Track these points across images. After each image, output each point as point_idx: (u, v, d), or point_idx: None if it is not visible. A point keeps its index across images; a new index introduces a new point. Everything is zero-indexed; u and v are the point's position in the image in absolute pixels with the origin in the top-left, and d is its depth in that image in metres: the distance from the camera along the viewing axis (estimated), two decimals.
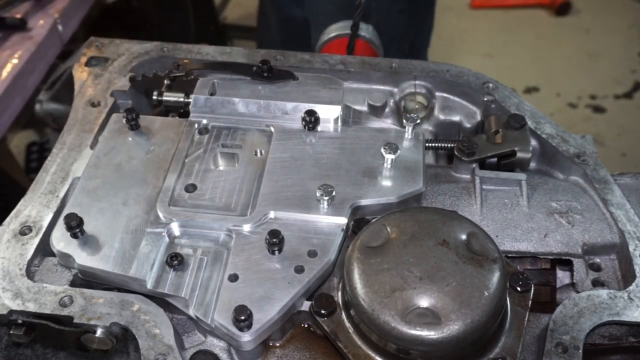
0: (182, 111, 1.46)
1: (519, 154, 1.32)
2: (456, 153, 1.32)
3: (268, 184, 1.22)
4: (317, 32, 2.19)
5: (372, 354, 1.02)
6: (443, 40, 2.66)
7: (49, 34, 1.90)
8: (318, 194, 1.16)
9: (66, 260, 1.15)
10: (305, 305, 1.08)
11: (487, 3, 4.79)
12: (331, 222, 1.16)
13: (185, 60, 1.50)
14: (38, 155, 3.29)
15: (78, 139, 1.37)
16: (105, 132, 1.35)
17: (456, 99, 1.52)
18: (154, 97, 1.44)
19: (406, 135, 1.31)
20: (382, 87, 1.54)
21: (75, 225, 1.12)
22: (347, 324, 1.05)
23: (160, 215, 1.17)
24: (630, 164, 3.58)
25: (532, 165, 1.40)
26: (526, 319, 1.05)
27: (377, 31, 2.02)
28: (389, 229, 1.07)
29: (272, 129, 1.33)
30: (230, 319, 1.02)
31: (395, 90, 1.54)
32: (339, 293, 1.10)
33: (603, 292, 1.11)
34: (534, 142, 1.38)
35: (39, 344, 1.16)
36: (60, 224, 1.15)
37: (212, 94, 1.38)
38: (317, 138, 1.31)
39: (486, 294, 0.98)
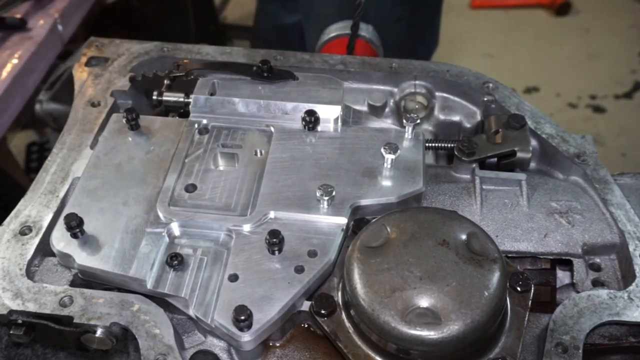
0: (182, 111, 1.46)
1: (519, 154, 1.32)
2: (456, 153, 1.32)
3: (268, 184, 1.22)
4: (311, 37, 2.17)
5: (372, 354, 1.02)
6: (443, 40, 2.63)
7: (49, 34, 1.90)
8: (318, 194, 1.16)
9: (66, 260, 1.15)
10: (305, 305, 1.08)
11: (487, 3, 4.80)
12: (331, 222, 1.16)
13: (185, 60, 1.50)
14: (38, 155, 3.29)
15: (78, 139, 1.37)
16: (105, 132, 1.35)
17: (456, 99, 1.52)
18: (154, 97, 1.44)
19: (406, 135, 1.31)
20: (382, 87, 1.54)
21: (75, 225, 1.12)
22: (347, 324, 1.05)
23: (160, 215, 1.17)
24: (630, 164, 3.58)
25: (532, 165, 1.40)
26: (526, 319, 1.05)
27: None
28: (389, 229, 1.07)
29: (272, 129, 1.33)
30: (230, 319, 1.02)
31: (395, 90, 1.54)
32: (339, 293, 1.10)
33: (603, 292, 1.11)
34: (534, 142, 1.38)
35: (39, 344, 1.16)
36: (60, 224, 1.15)
37: (212, 94, 1.38)
38: (317, 138, 1.31)
39: (486, 294, 0.98)
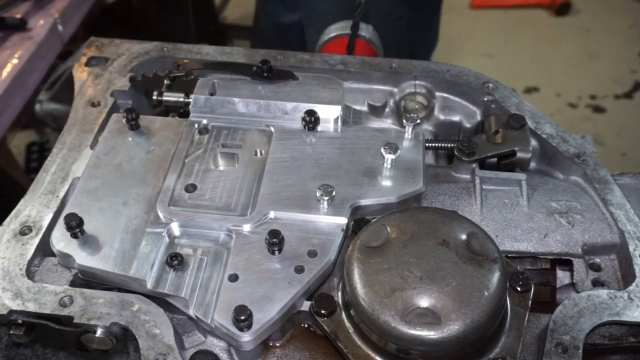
0: (182, 111, 1.46)
1: (519, 154, 1.32)
2: (456, 153, 1.32)
3: (268, 184, 1.22)
4: (312, 35, 2.17)
5: (372, 354, 1.02)
6: (443, 40, 2.64)
7: (49, 34, 1.90)
8: (318, 194, 1.16)
9: (66, 260, 1.15)
10: (305, 305, 1.08)
11: (487, 3, 4.80)
12: (331, 222, 1.16)
13: (185, 60, 1.50)
14: (38, 155, 3.29)
15: (78, 139, 1.37)
16: (105, 132, 1.35)
17: (456, 99, 1.52)
18: (154, 97, 1.43)
19: (406, 135, 1.31)
20: (382, 87, 1.54)
21: (75, 225, 1.12)
22: (347, 324, 1.05)
23: (160, 215, 1.17)
24: (630, 164, 3.58)
25: (532, 165, 1.40)
26: (526, 319, 1.05)
27: None
28: (389, 229, 1.07)
29: (272, 129, 1.33)
30: (230, 319, 1.02)
31: (395, 90, 1.54)
32: (339, 293, 1.10)
33: (603, 292, 1.11)
34: (534, 142, 1.38)
35: (39, 344, 1.16)
36: (60, 224, 1.15)
37: (212, 94, 1.38)
38: (317, 138, 1.31)
39: (486, 294, 0.98)
